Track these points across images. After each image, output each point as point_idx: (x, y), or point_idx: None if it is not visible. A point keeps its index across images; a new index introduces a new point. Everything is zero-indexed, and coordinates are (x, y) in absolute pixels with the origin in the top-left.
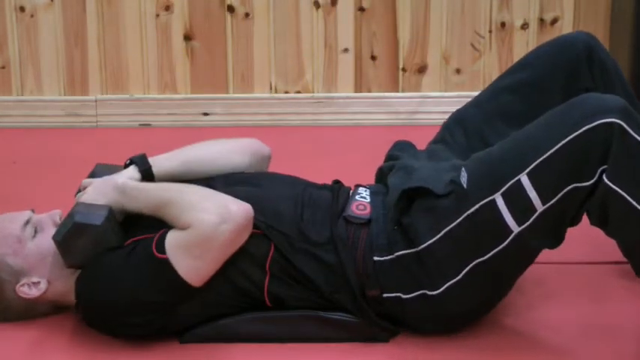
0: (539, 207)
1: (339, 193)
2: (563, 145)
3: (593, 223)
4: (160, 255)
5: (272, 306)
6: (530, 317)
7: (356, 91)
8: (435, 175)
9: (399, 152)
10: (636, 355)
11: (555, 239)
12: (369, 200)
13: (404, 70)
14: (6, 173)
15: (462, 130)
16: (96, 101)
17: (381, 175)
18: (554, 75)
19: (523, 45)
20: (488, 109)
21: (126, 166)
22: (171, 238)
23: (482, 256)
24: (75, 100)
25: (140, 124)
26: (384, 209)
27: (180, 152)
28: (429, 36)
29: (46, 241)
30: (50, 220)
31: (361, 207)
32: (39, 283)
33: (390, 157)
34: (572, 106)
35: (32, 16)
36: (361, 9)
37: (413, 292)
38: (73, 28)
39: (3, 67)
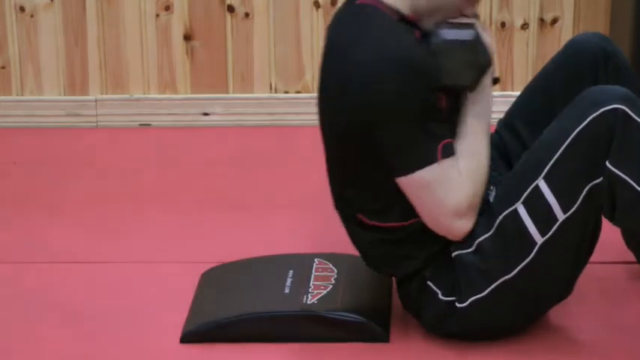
0: (560, 215)
1: None
2: (572, 140)
3: (603, 214)
4: (439, 154)
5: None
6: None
7: None
8: None
9: None
10: None
11: (578, 257)
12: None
13: None
14: (6, 173)
15: (505, 162)
16: (96, 101)
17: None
18: (577, 86)
19: (523, 45)
20: (523, 135)
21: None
22: (451, 167)
23: (510, 272)
24: (75, 100)
25: (140, 124)
26: None
27: None
28: None
29: None
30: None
31: None
32: None
33: None
34: (576, 102)
35: (32, 16)
36: None
37: (448, 297)
38: (73, 28)
39: (3, 67)
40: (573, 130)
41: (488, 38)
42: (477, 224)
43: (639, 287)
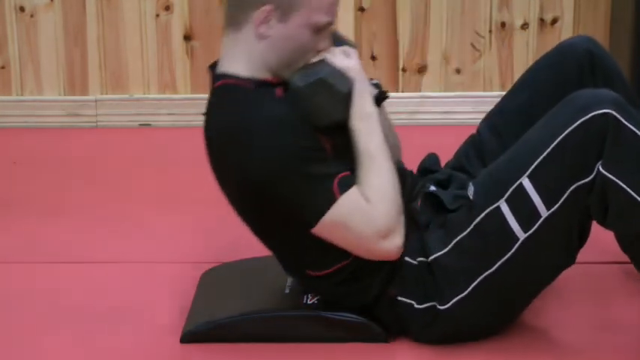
0: (544, 212)
1: (412, 180)
2: (560, 141)
3: (594, 217)
4: (336, 191)
5: (314, 284)
6: (533, 316)
7: None
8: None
9: (435, 166)
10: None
11: (565, 254)
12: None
13: (404, 70)
14: (6, 173)
15: (481, 161)
16: (96, 101)
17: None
18: (561, 89)
19: (523, 45)
20: (504, 134)
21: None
22: (354, 197)
23: (490, 267)
24: (75, 100)
25: (140, 124)
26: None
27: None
28: (429, 36)
29: (314, 42)
30: (337, 52)
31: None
32: (271, 21)
33: (425, 170)
34: (566, 103)
35: (32, 16)
36: (361, 9)
37: (424, 303)
38: (73, 28)
39: (3, 67)
40: (562, 132)
41: (353, 61)
42: (453, 223)
43: (632, 287)
